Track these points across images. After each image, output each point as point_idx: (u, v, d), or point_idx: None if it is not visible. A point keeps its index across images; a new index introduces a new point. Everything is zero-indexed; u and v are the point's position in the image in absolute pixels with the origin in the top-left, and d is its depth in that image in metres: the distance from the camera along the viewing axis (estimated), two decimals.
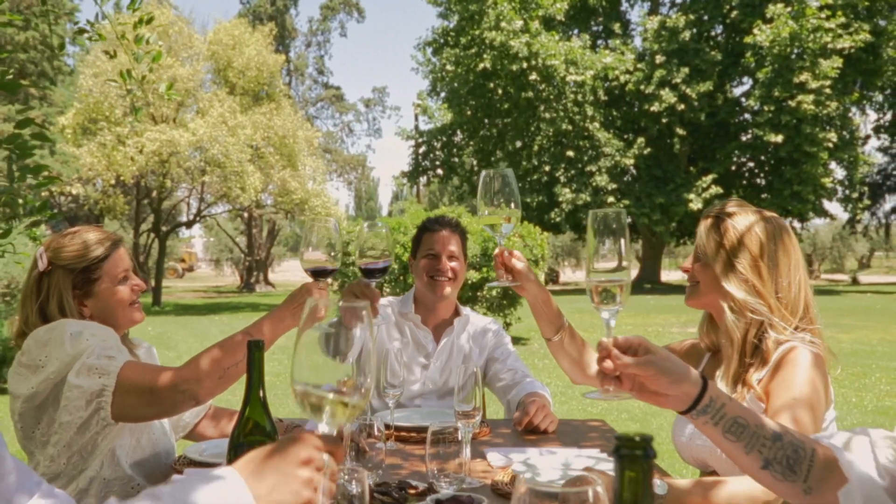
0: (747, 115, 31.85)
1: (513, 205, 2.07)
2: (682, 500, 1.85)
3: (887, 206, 45.77)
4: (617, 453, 0.78)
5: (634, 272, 41.40)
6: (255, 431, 1.71)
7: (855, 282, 44.25)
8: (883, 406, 8.45)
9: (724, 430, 1.25)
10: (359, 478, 1.29)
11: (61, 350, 2.08)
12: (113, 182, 21.38)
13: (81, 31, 5.10)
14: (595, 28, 35.49)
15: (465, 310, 3.33)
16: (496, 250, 2.13)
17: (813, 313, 2.08)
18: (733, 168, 32.61)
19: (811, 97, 28.03)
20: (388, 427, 2.48)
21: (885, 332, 16.09)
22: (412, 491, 1.97)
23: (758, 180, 32.54)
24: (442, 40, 32.43)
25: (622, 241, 1.39)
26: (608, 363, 1.27)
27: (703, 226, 2.19)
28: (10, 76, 4.24)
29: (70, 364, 2.06)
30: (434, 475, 2.01)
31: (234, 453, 1.69)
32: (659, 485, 1.88)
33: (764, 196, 31.29)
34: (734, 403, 1.28)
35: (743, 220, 2.12)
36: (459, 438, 2.06)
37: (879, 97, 33.74)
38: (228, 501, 1.03)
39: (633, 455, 0.77)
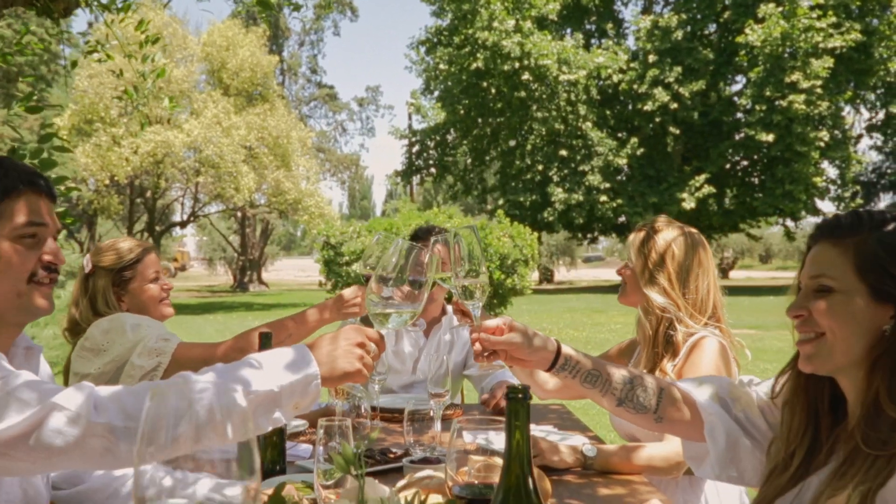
0: (740, 115, 32.31)
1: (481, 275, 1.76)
2: (608, 461, 2.32)
3: (882, 205, 46.36)
4: (507, 397, 1.24)
5: None
6: None
7: None
8: None
9: (581, 380, 1.70)
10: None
11: (124, 337, 2.61)
12: (107, 182, 21.77)
13: (92, 51, 5.56)
14: (588, 27, 35.92)
15: (451, 309, 3.82)
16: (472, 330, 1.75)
17: (721, 313, 2.55)
18: (727, 167, 33.05)
19: (802, 97, 28.52)
20: (373, 409, 2.96)
21: None
22: (392, 455, 2.44)
23: (751, 179, 33.01)
24: (435, 39, 32.85)
25: (479, 254, 1.77)
26: (478, 345, 1.71)
27: (635, 237, 2.67)
28: (31, 94, 4.72)
29: (132, 349, 2.58)
30: (410, 444, 2.48)
31: None
32: (589, 448, 2.35)
33: (757, 195, 31.76)
34: (590, 361, 1.72)
35: (667, 234, 2.59)
36: (432, 415, 2.54)
37: (871, 96, 34.25)
38: (293, 360, 1.49)
39: (517, 398, 1.23)
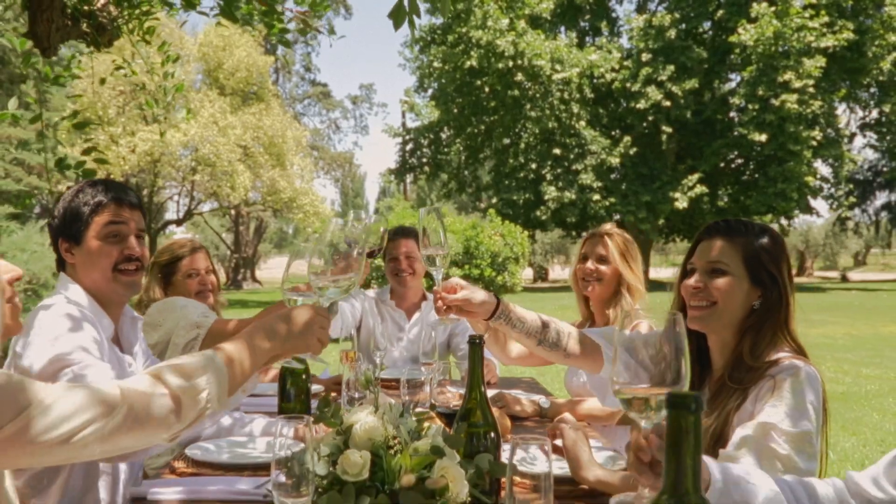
0: (734, 114, 32.99)
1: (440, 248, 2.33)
2: (559, 410, 3.08)
3: (878, 203, 47.04)
4: (468, 342, 1.99)
5: None
6: None
7: (845, 279, 45.61)
8: None
9: (511, 326, 2.40)
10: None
11: (174, 314, 3.33)
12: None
13: (118, 68, 6.30)
14: (583, 25, 36.55)
15: (431, 296, 4.60)
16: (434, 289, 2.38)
17: (647, 298, 3.33)
18: (721, 165, 33.70)
19: (795, 96, 29.24)
20: (375, 378, 3.72)
21: (852, 328, 17.34)
22: None
23: (744, 178, 33.70)
24: (429, 38, 33.50)
25: (441, 232, 2.44)
26: (440, 303, 2.40)
27: (610, 237, 3.44)
28: (77, 115, 5.45)
29: (178, 322, 3.32)
30: (407, 403, 3.24)
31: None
32: (544, 401, 3.11)
33: (750, 194, 32.45)
34: (519, 311, 2.42)
35: (619, 237, 3.39)
36: (422, 380, 3.29)
37: (864, 94, 34.98)
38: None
39: (475, 342, 1.98)
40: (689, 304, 2.25)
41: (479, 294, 2.33)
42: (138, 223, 2.57)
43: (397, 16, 3.16)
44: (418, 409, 2.09)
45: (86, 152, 5.41)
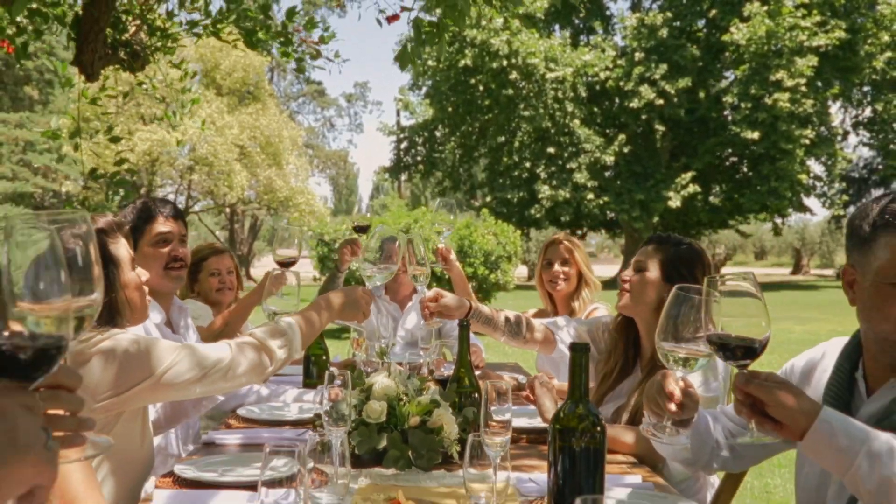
0: (727, 112, 33.56)
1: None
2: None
3: None
4: (458, 325, 2.70)
5: (616, 267, 43.32)
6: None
7: (840, 277, 46.34)
8: None
9: (481, 323, 3.12)
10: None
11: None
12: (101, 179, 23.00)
13: (140, 83, 6.98)
14: (577, 23, 37.09)
15: (423, 289, 5.37)
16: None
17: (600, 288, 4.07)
18: (716, 163, 34.22)
19: (787, 95, 29.85)
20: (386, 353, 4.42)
21: (838, 325, 17.96)
22: None
23: (737, 176, 34.25)
24: (424, 36, 33.95)
25: (422, 252, 3.22)
26: (426, 311, 3.12)
27: (569, 243, 4.15)
28: (111, 129, 6.13)
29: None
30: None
31: None
32: (522, 378, 3.82)
33: (743, 192, 33.06)
34: (488, 311, 3.16)
35: (574, 242, 4.10)
36: (421, 362, 4.00)
37: (857, 93, 35.59)
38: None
39: (463, 324, 2.70)
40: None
41: (453, 301, 3.07)
42: (180, 230, 3.33)
43: (402, 59, 3.87)
44: (420, 375, 2.84)
45: (118, 163, 6.13)
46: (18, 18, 5.01)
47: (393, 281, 5.30)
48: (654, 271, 2.90)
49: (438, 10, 3.72)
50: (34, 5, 4.16)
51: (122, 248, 2.27)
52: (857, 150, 41.28)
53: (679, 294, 1.77)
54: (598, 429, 1.62)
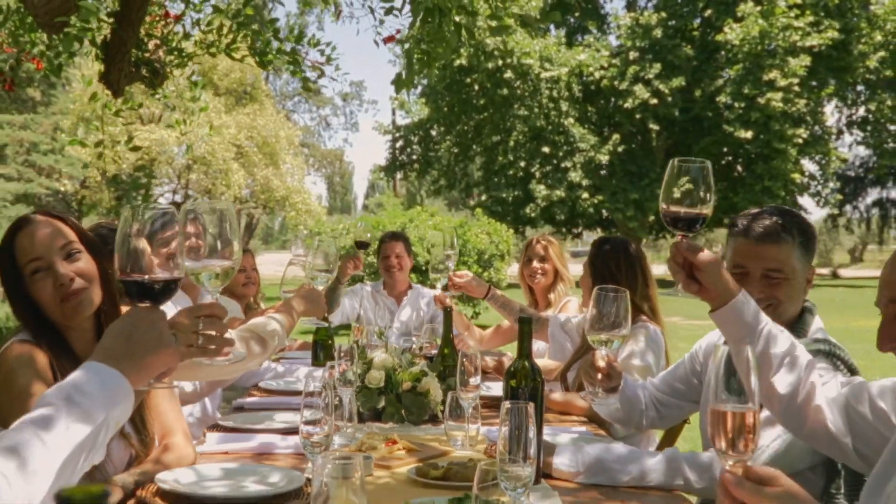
0: (721, 112, 34.07)
1: None
2: None
3: (869, 199, 48.20)
4: (443, 311, 3.35)
5: None
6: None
7: (835, 276, 46.97)
8: None
9: (499, 306, 3.82)
10: None
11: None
12: (98, 178, 23.67)
13: (154, 93, 7.62)
14: (572, 22, 37.58)
15: (416, 286, 6.06)
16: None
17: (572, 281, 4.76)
18: (712, 162, 34.67)
19: (780, 95, 30.44)
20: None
21: (825, 322, 18.67)
22: None
23: (731, 175, 34.78)
24: (419, 35, 34.47)
25: (455, 242, 3.93)
26: (455, 279, 3.83)
27: (546, 242, 4.82)
28: (131, 140, 6.77)
29: None
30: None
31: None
32: (509, 359, 4.48)
33: (737, 191, 33.62)
34: (503, 297, 3.86)
35: (551, 242, 4.77)
36: (412, 346, 4.66)
37: (851, 93, 36.19)
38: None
39: (447, 311, 3.36)
40: None
41: (476, 281, 3.86)
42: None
43: (398, 84, 4.52)
44: (412, 352, 3.52)
45: (138, 170, 6.80)
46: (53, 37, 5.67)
47: (390, 278, 6.00)
48: (586, 272, 3.65)
49: (428, 40, 4.36)
50: (71, 31, 4.80)
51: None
52: (853, 149, 41.81)
53: (599, 294, 2.34)
54: (537, 377, 2.27)
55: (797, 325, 2.50)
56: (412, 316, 5.92)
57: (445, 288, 3.98)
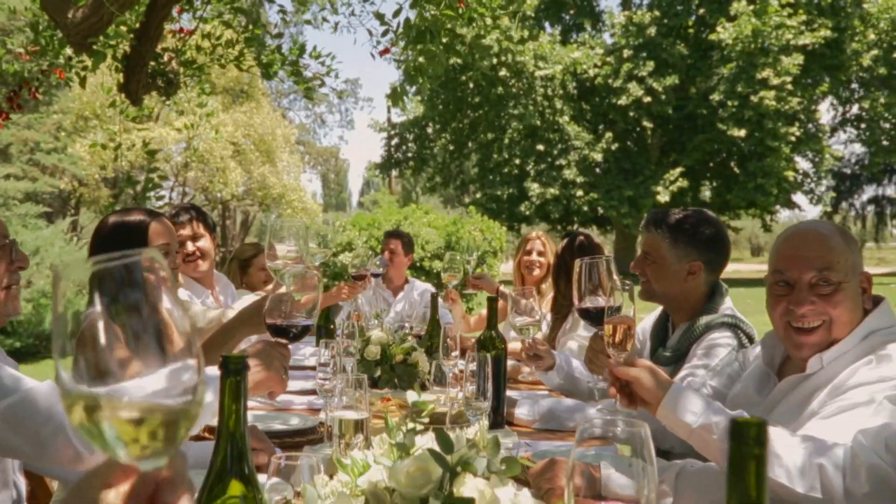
0: (714, 109, 34.58)
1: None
2: None
3: (865, 197, 48.70)
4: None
5: None
6: None
7: None
8: None
9: (511, 303, 4.46)
10: None
11: (239, 301, 5.32)
12: (96, 176, 24.22)
13: (165, 99, 8.22)
14: (567, 20, 38.12)
15: (413, 280, 6.67)
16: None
17: None
18: (705, 160, 35.20)
19: (772, 93, 31.02)
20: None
21: None
22: None
23: (725, 173, 35.33)
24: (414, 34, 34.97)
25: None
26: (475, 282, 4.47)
27: (546, 238, 5.45)
28: (147, 144, 7.37)
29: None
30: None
31: None
32: None
33: (731, 188, 34.21)
34: (516, 296, 4.51)
35: (547, 238, 5.41)
36: (407, 329, 5.30)
37: (845, 91, 36.75)
38: None
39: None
40: None
41: (490, 279, 4.56)
42: (195, 229, 4.54)
43: (394, 98, 5.15)
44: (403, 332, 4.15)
45: (151, 170, 7.42)
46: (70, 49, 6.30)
47: (386, 272, 6.63)
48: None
49: (421, 58, 4.98)
50: (99, 48, 5.41)
51: None
52: (848, 146, 42.27)
53: (517, 291, 3.04)
54: (500, 344, 2.90)
55: (708, 304, 3.11)
56: (405, 307, 6.55)
57: (458, 287, 4.68)
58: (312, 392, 3.51)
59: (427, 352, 3.87)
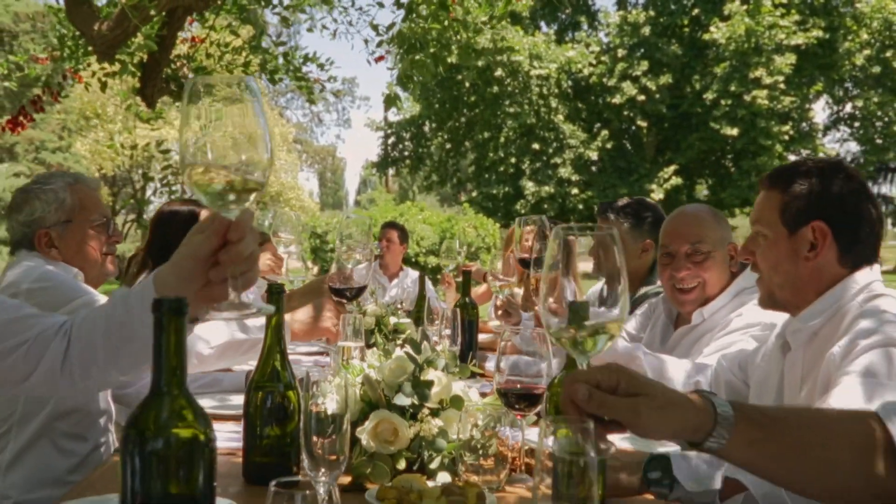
0: (708, 108, 34.99)
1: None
2: None
3: None
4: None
5: None
6: None
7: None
8: None
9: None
10: None
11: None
12: (96, 175, 24.86)
13: (178, 104, 8.86)
14: (563, 19, 38.53)
15: (407, 268, 7.36)
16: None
17: None
18: (700, 158, 35.62)
19: (765, 92, 31.54)
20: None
21: None
22: None
23: (719, 171, 35.77)
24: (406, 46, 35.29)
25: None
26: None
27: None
28: (161, 144, 8.03)
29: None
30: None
31: None
32: None
33: (725, 186, 34.70)
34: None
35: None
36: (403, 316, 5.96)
37: (839, 90, 37.22)
38: None
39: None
40: None
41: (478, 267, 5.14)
42: None
43: (388, 102, 5.82)
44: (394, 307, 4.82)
45: (165, 168, 8.09)
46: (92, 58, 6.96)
47: (382, 259, 7.32)
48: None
49: (411, 67, 5.64)
50: (123, 58, 6.08)
51: None
52: (844, 145, 42.65)
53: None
54: (472, 309, 3.57)
55: (649, 277, 3.79)
56: (399, 293, 7.23)
57: (453, 272, 5.38)
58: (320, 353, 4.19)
59: (415, 321, 4.54)
